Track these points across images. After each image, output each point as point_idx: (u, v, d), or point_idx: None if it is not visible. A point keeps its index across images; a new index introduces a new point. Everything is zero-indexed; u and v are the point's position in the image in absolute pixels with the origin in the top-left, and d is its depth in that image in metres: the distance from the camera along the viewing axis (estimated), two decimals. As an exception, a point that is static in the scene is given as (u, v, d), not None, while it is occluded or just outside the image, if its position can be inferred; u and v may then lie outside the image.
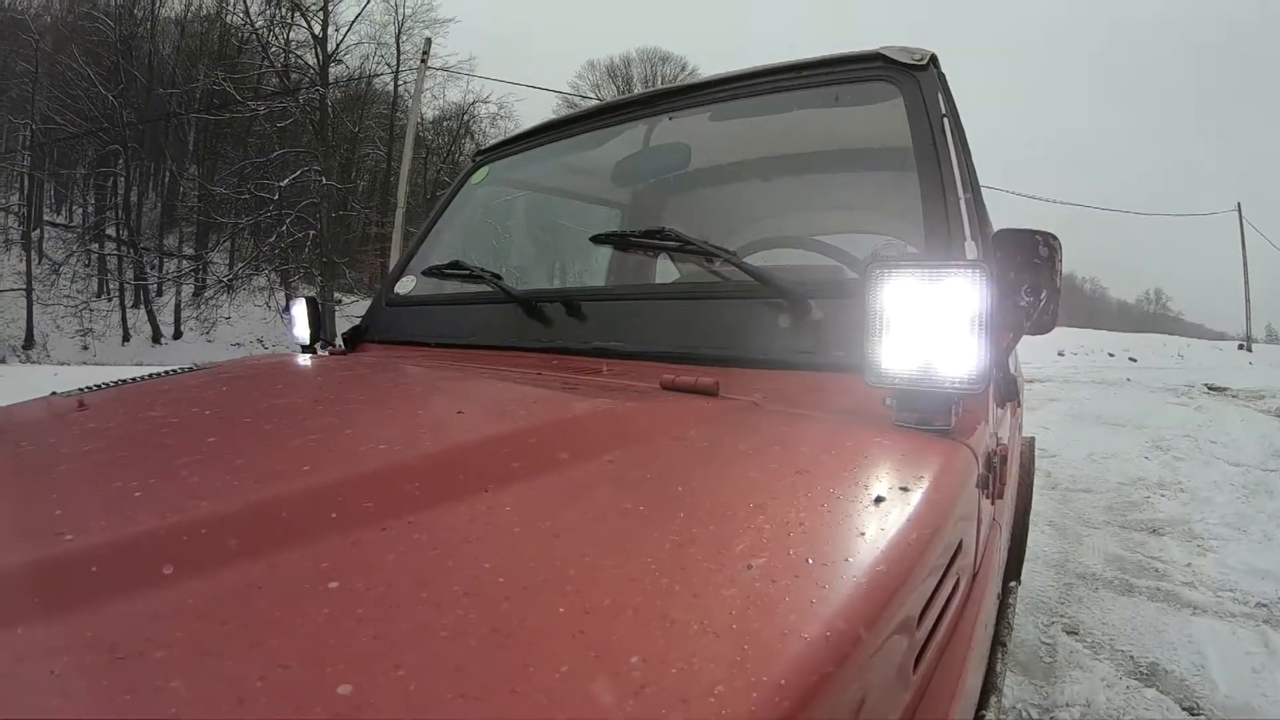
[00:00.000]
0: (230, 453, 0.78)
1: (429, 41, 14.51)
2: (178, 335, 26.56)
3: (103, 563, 0.52)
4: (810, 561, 0.54)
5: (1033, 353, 17.58)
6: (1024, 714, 2.29)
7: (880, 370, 0.93)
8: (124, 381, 1.32)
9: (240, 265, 28.29)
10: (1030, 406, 8.79)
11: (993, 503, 1.12)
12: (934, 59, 1.40)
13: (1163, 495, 5.01)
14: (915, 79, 1.37)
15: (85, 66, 24.48)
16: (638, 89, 39.84)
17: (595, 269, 2.46)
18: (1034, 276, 1.09)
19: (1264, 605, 3.14)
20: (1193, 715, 2.32)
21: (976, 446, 0.95)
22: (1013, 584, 2.18)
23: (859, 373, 0.96)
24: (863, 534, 0.60)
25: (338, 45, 29.02)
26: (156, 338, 26.08)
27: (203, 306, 27.05)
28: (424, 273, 1.90)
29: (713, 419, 0.93)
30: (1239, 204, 25.69)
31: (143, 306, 26.27)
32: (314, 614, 0.46)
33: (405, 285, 1.97)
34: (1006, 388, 1.39)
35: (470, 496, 0.65)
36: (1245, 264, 24.90)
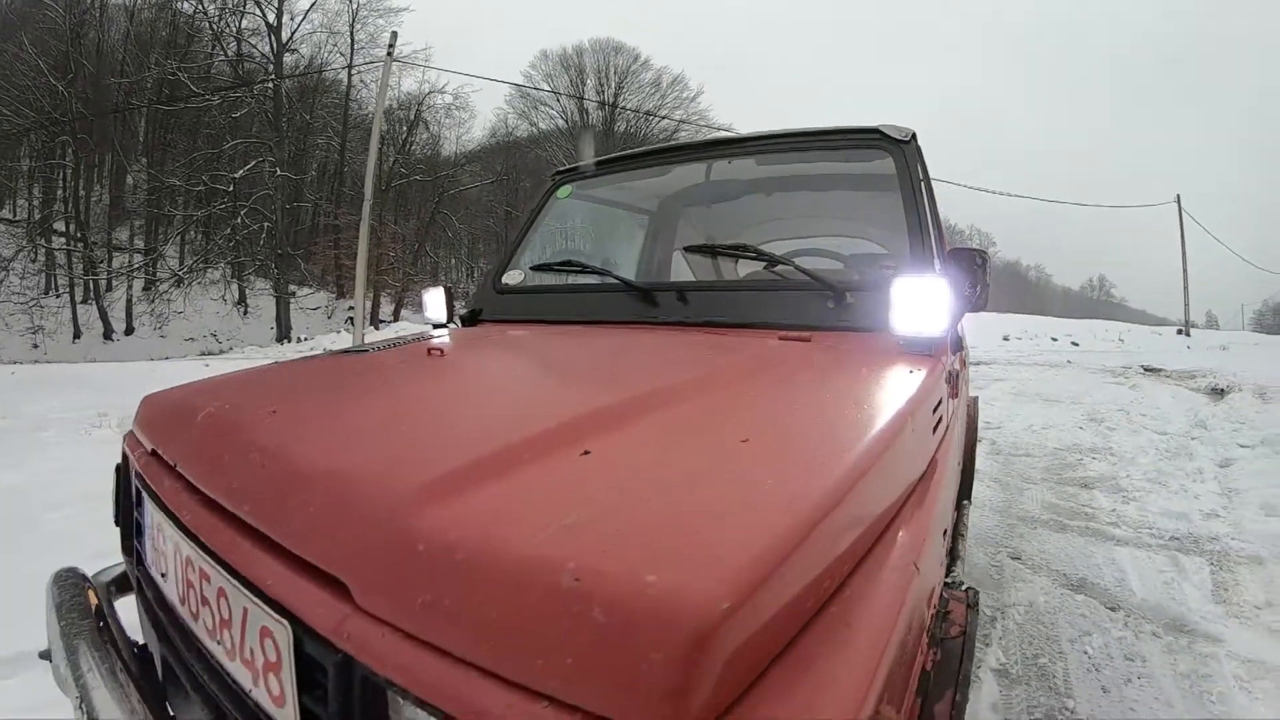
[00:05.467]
0: (601, 374, 1.43)
1: (395, 35, 14.49)
2: (129, 331, 26.12)
3: (637, 404, 1.02)
4: (882, 383, 1.27)
5: (979, 338, 18.30)
6: (981, 614, 2.74)
7: (896, 328, 1.57)
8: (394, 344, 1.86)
9: (194, 259, 27.82)
10: (977, 385, 9.32)
11: (953, 397, 1.72)
12: (914, 135, 2.02)
13: (1094, 458, 5.56)
14: (902, 149, 1.97)
15: (35, 56, 23.83)
16: (590, 79, 40.11)
17: (628, 261, 3.07)
18: (972, 276, 1.77)
19: (1176, 539, 3.67)
20: (1114, 611, 2.81)
21: (944, 364, 1.57)
22: (965, 502, 2.66)
23: (882, 331, 1.62)
24: (906, 381, 1.28)
25: (292, 34, 28.71)
26: (108, 334, 25.58)
27: (155, 301, 26.56)
28: (533, 268, 2.43)
29: (818, 352, 1.56)
30: (1178, 196, 26.62)
31: (93, 302, 25.76)
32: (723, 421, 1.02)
33: (513, 277, 2.43)
34: (956, 340, 2.00)
35: (734, 385, 1.22)
36: (1184, 253, 25.95)
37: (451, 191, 33.96)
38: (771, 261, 1.92)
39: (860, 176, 2.32)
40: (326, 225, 31.66)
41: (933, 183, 2.28)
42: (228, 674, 0.84)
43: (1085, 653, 2.52)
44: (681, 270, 2.89)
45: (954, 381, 1.77)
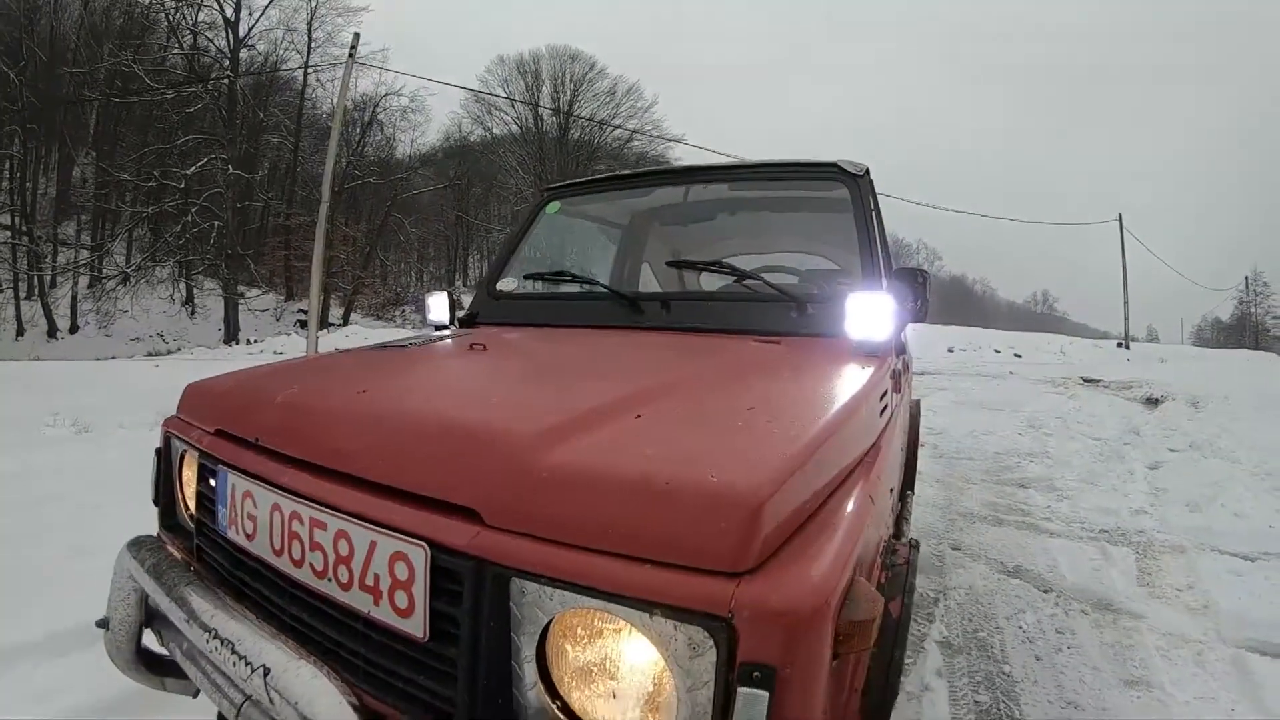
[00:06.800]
0: (622, 365, 1.66)
1: (357, 36, 14.48)
2: (74, 329, 25.42)
3: (662, 386, 1.30)
4: (841, 376, 1.49)
5: (923, 349, 18.79)
6: (925, 595, 2.97)
7: (850, 334, 1.81)
8: (402, 344, 2.04)
9: (142, 257, 27.12)
10: (920, 393, 9.66)
11: (896, 391, 1.98)
12: (868, 170, 2.32)
13: (1031, 461, 5.90)
14: (857, 182, 2.26)
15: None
16: (546, 86, 39.84)
17: (603, 272, 3.24)
18: (914, 291, 1.99)
19: (1105, 531, 3.97)
20: (1046, 593, 3.06)
21: (889, 364, 1.82)
22: (909, 493, 2.89)
23: (839, 336, 1.84)
24: (859, 375, 1.51)
25: (250, 29, 28.27)
26: (52, 332, 24.85)
27: (101, 299, 25.84)
28: (525, 276, 2.62)
29: (789, 352, 1.79)
30: (1120, 215, 27.75)
31: (37, 299, 24.99)
32: (718, 405, 1.22)
33: (507, 284, 2.62)
34: (901, 345, 2.26)
35: (730, 374, 1.50)
36: (1125, 269, 26.99)
37: (404, 195, 33.62)
38: (743, 276, 2.16)
39: (818, 201, 2.58)
40: (277, 226, 31.10)
41: (881, 199, 2.52)
42: (337, 604, 1.04)
43: (1020, 627, 2.76)
44: (647, 281, 3.17)
45: (897, 379, 2.07)
